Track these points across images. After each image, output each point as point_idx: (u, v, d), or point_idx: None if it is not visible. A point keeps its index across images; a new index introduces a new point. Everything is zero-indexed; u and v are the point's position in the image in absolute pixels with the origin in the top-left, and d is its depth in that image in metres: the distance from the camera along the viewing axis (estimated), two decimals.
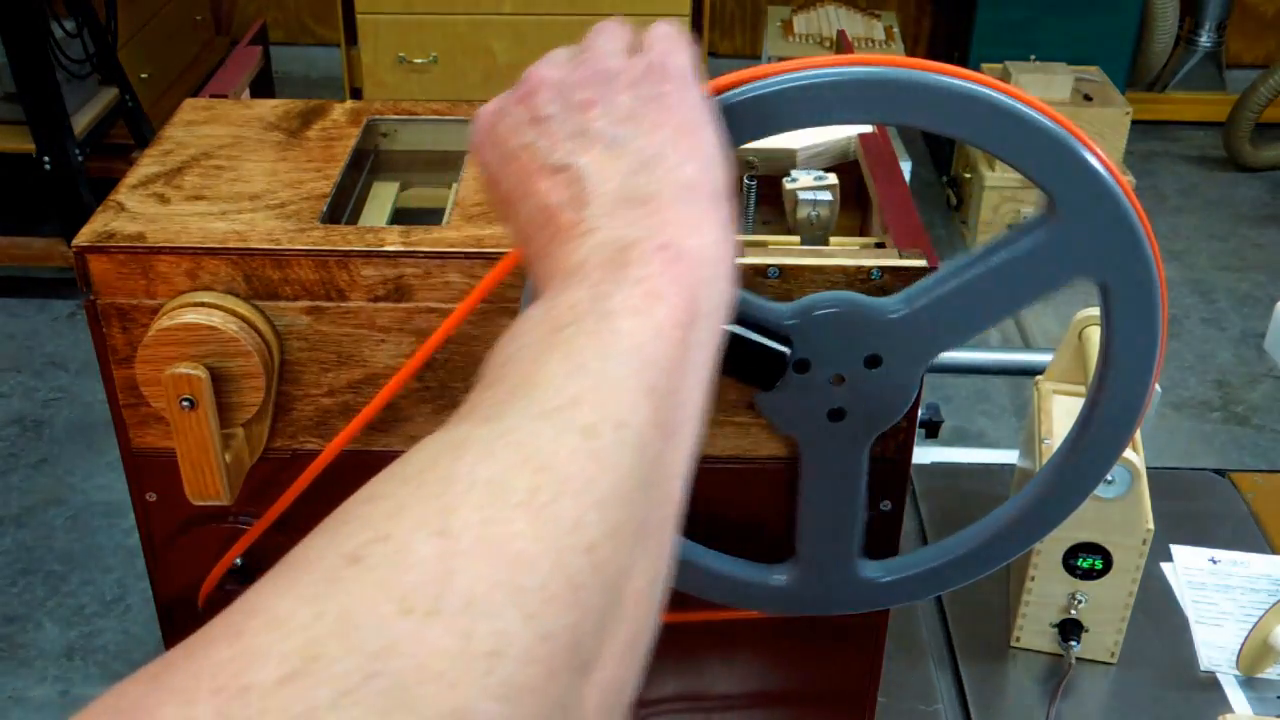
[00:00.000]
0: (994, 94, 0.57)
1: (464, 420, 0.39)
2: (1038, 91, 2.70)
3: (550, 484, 0.36)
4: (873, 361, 0.64)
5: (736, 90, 0.58)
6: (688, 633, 0.80)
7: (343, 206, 0.78)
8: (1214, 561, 1.05)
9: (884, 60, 0.57)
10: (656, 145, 0.50)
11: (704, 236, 0.47)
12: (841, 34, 1.09)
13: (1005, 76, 2.78)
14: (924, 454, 1.22)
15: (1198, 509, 1.13)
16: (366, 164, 0.83)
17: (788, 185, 0.78)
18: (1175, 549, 1.07)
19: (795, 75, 0.57)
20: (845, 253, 0.71)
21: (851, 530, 0.70)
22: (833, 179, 0.78)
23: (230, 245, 0.68)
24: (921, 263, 0.69)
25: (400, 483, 0.37)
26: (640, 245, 0.45)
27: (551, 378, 0.40)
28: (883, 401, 0.66)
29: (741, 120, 0.58)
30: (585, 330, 0.42)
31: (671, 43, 0.54)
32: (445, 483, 0.36)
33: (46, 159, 2.64)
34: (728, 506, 0.75)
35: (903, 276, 0.68)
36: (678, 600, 0.72)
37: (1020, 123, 0.57)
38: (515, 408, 0.39)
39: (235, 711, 0.29)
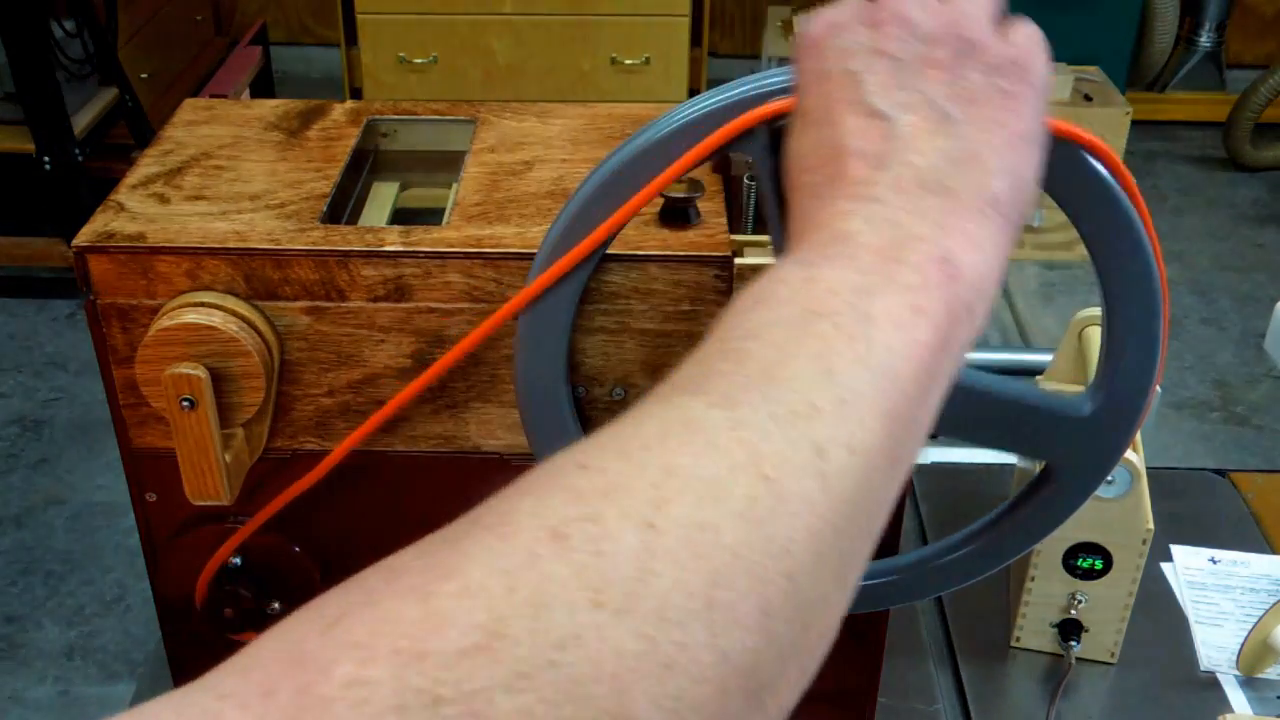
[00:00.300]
0: None
1: (699, 391, 0.37)
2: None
3: (769, 498, 0.34)
4: None
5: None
6: None
7: (343, 206, 0.78)
8: (1214, 561, 1.06)
9: None
10: (983, 143, 0.46)
11: (983, 258, 0.43)
12: None
13: None
14: (924, 454, 1.21)
15: (1198, 509, 1.13)
16: (366, 164, 0.83)
17: None
18: (1175, 549, 1.07)
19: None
20: None
21: None
22: None
23: (230, 245, 0.68)
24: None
25: (618, 456, 0.35)
26: (920, 246, 0.42)
27: (796, 377, 0.37)
28: None
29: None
30: (842, 329, 0.39)
31: (1038, 45, 0.49)
32: (665, 472, 0.34)
33: (46, 159, 2.65)
34: None
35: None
36: None
37: None
38: (753, 400, 0.36)
39: (411, 677, 0.28)
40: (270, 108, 0.84)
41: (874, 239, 0.42)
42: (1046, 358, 1.02)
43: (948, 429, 0.61)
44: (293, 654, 0.30)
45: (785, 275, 0.41)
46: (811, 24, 0.49)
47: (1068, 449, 0.64)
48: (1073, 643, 0.94)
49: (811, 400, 0.37)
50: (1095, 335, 0.92)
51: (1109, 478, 0.87)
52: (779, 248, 0.59)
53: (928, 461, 1.21)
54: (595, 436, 0.36)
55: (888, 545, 0.76)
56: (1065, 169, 0.56)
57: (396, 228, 0.70)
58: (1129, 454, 0.87)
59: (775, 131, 0.55)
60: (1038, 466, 0.68)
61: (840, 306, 0.39)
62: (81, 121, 2.75)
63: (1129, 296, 0.60)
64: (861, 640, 0.80)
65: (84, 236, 0.69)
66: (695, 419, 0.36)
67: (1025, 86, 0.48)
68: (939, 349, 0.40)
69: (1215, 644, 0.97)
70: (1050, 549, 0.91)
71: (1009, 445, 0.68)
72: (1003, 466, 1.15)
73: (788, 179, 0.48)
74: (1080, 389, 0.97)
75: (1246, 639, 0.93)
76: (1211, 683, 0.95)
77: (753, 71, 0.61)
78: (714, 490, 0.34)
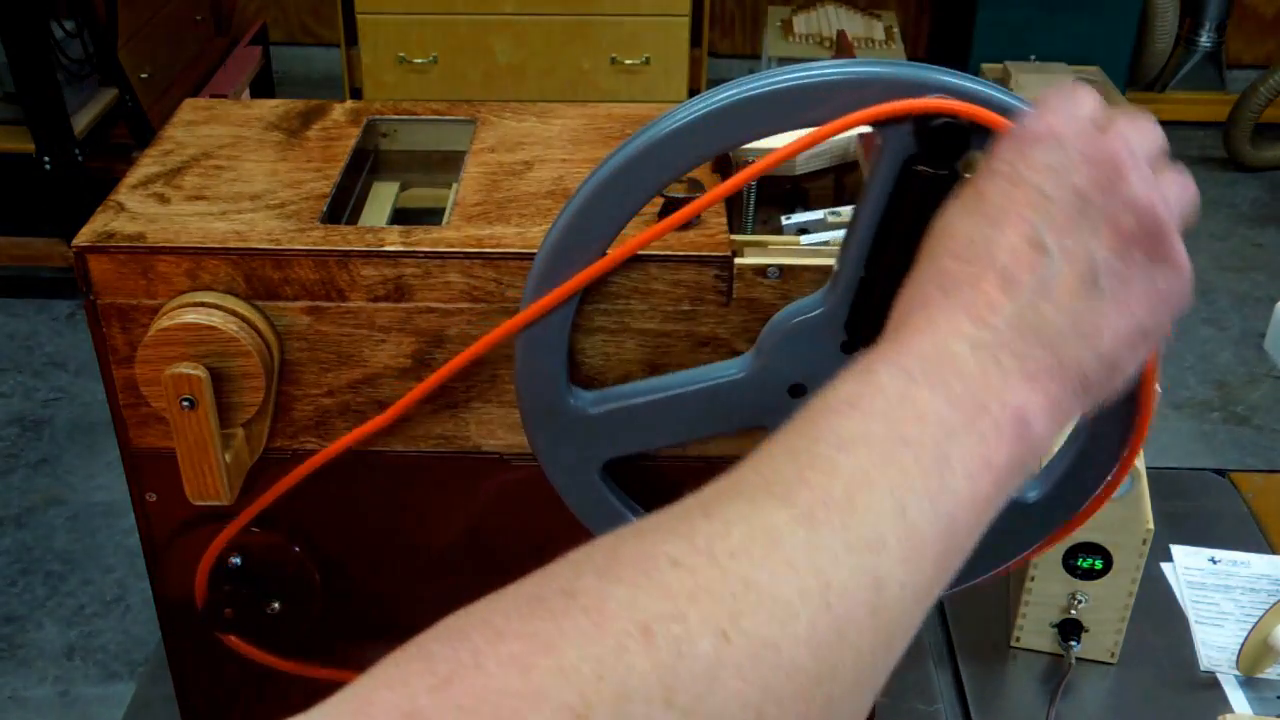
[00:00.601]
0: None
1: (786, 500, 0.39)
2: (1038, 91, 2.69)
3: (828, 628, 0.37)
4: (848, 347, 0.65)
5: None
6: None
7: (343, 206, 0.78)
8: (1214, 561, 1.06)
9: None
10: (1110, 326, 0.46)
11: (1052, 428, 0.45)
12: (841, 34, 1.09)
13: (1005, 77, 2.78)
14: None
15: (1198, 509, 1.13)
16: (366, 164, 0.83)
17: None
18: (1175, 549, 1.07)
19: None
20: None
21: None
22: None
23: (230, 245, 0.68)
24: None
25: (708, 559, 0.37)
26: (1004, 395, 0.44)
27: (873, 509, 0.40)
28: None
29: None
30: (921, 466, 0.41)
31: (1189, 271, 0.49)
32: (745, 584, 0.36)
33: (46, 159, 2.65)
34: None
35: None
36: None
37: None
38: (832, 524, 0.39)
39: None
40: (270, 108, 0.84)
41: (973, 370, 0.44)
42: None
43: None
44: (405, 709, 0.33)
45: (884, 384, 0.43)
46: (1038, 115, 0.49)
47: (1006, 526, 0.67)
48: (1073, 643, 0.94)
49: (882, 534, 0.39)
50: None
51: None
52: (852, 251, 0.61)
53: None
54: (688, 517, 0.39)
55: None
56: None
57: (396, 228, 0.70)
58: None
59: (927, 129, 0.56)
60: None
61: (925, 440, 0.42)
62: (81, 121, 2.75)
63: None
64: None
65: (84, 236, 0.69)
66: (779, 534, 0.38)
67: (1176, 294, 0.49)
68: (993, 501, 0.43)
69: (1215, 644, 0.97)
70: (1050, 549, 0.92)
71: None
72: None
73: (931, 239, 0.49)
74: None
75: (1246, 639, 0.93)
76: (1211, 683, 0.94)
77: (752, 71, 0.61)
78: (783, 611, 0.37)
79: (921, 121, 0.56)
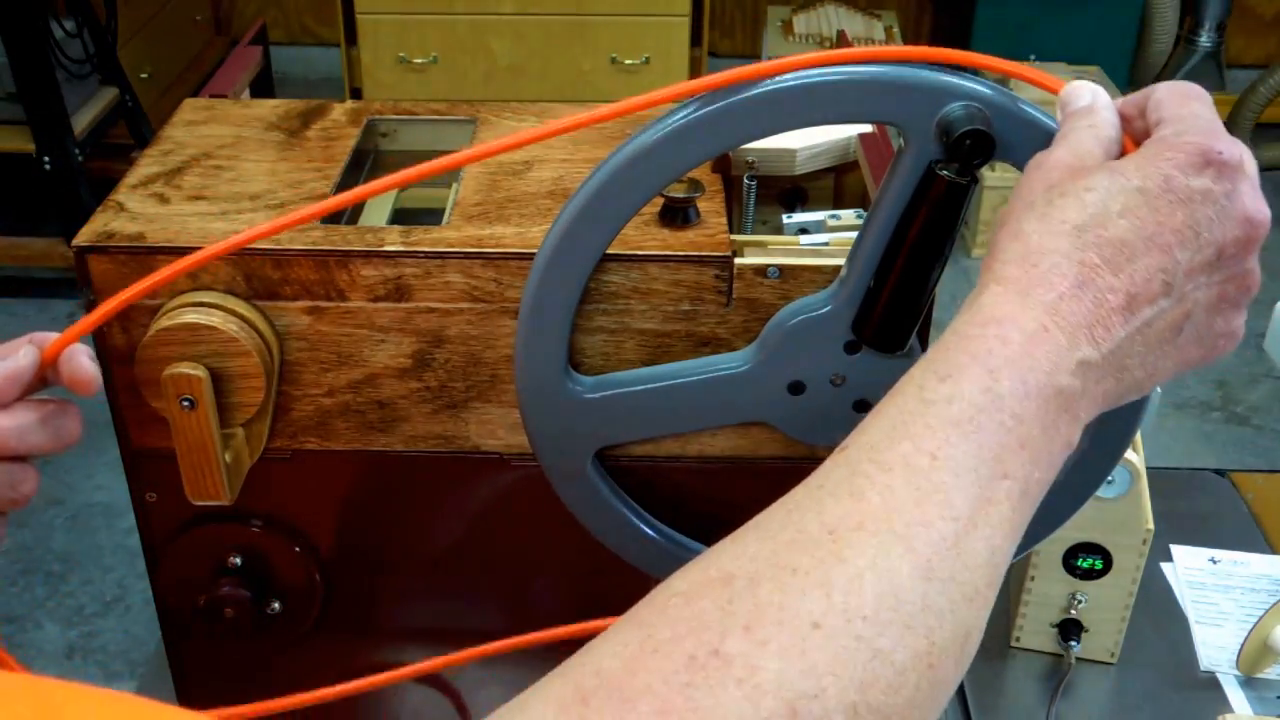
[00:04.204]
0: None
1: (908, 540, 0.41)
2: (1038, 91, 2.69)
3: (929, 688, 0.41)
4: (851, 348, 0.65)
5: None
6: None
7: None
8: (1214, 561, 1.05)
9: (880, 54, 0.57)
10: (1169, 368, 0.49)
11: (1050, 478, 0.46)
12: (841, 34, 1.09)
13: (1005, 77, 2.78)
14: None
15: (1198, 509, 1.13)
16: (366, 164, 0.83)
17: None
18: (1175, 549, 1.07)
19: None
20: (845, 253, 0.71)
21: None
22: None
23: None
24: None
25: (843, 619, 0.40)
26: (1073, 426, 0.46)
27: (974, 555, 0.43)
28: (889, 369, 0.66)
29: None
30: (1011, 503, 0.43)
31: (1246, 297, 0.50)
32: (873, 654, 0.39)
33: (46, 159, 2.64)
34: (728, 508, 0.75)
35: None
36: None
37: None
38: (943, 581, 0.42)
39: None
40: (270, 108, 0.84)
41: (1075, 394, 0.45)
42: None
43: None
44: None
45: (1004, 395, 0.44)
46: (1234, 141, 0.48)
47: None
48: (1073, 643, 0.94)
49: (976, 585, 0.43)
50: None
51: (1109, 478, 0.87)
52: (864, 252, 0.62)
53: None
54: (819, 550, 0.41)
55: None
56: None
57: (396, 228, 0.70)
58: (1129, 454, 0.87)
59: (956, 134, 0.56)
60: None
61: (1018, 474, 0.44)
62: (81, 121, 2.74)
63: None
64: None
65: (84, 236, 0.69)
66: (902, 591, 0.41)
67: (1224, 350, 0.51)
68: (1003, 554, 0.45)
69: (1215, 644, 0.97)
70: (1050, 549, 0.91)
71: None
72: None
73: (1081, 201, 0.47)
74: None
75: (1246, 639, 0.93)
76: (1211, 683, 0.94)
77: None
78: (899, 680, 0.40)
79: (949, 126, 0.57)
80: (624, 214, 0.62)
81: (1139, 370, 0.47)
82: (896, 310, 0.62)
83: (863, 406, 0.67)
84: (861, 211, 0.78)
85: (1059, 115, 0.54)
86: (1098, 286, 0.45)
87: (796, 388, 0.67)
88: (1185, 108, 0.49)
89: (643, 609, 0.41)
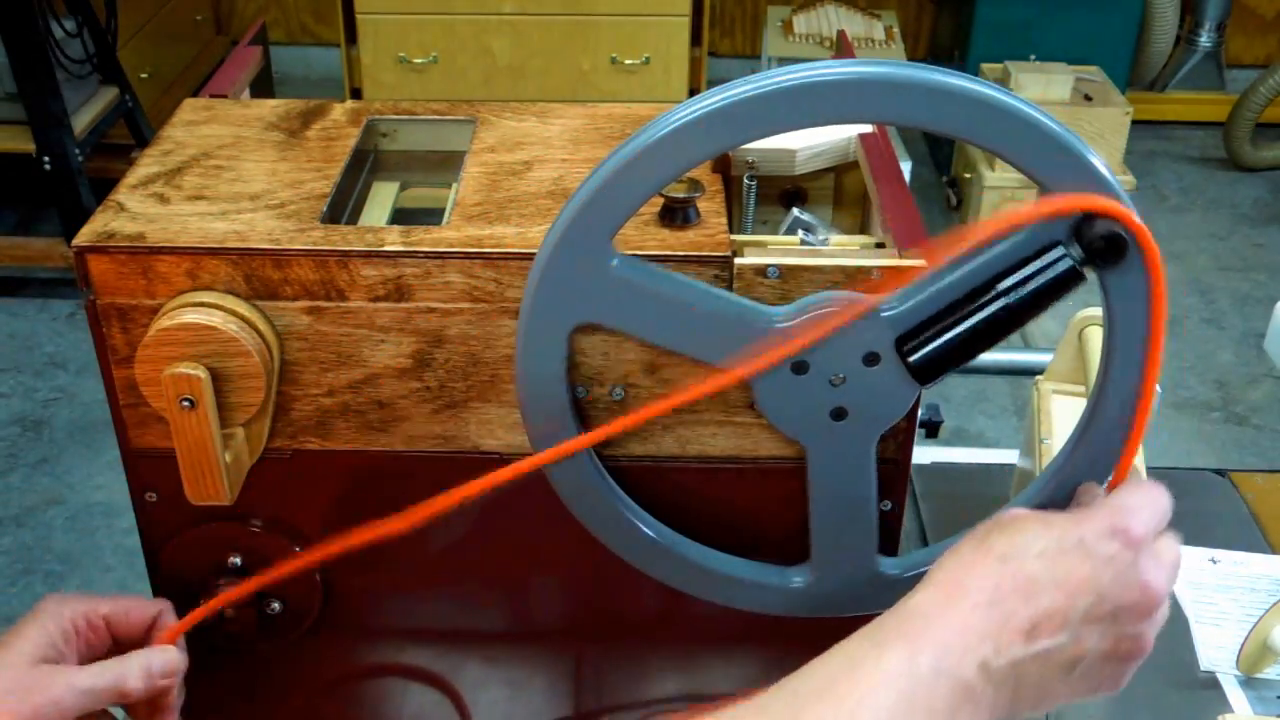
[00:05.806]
0: (996, 95, 0.57)
1: None
2: (1038, 91, 2.70)
3: None
4: (871, 359, 0.64)
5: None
6: (688, 632, 0.80)
7: (343, 206, 0.78)
8: (1214, 561, 1.05)
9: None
10: (1061, 697, 0.56)
11: None
12: (841, 34, 1.09)
13: (1005, 76, 2.78)
14: (924, 454, 1.21)
15: (1198, 509, 1.13)
16: (366, 164, 0.83)
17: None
18: None
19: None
20: (845, 253, 0.71)
21: (868, 529, 0.70)
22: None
23: (230, 245, 0.68)
24: (922, 263, 0.69)
25: None
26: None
27: None
28: (885, 399, 0.66)
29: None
30: None
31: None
32: None
33: (46, 159, 2.64)
34: (729, 507, 0.75)
35: (903, 276, 0.68)
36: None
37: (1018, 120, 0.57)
38: None
39: None
40: (270, 108, 0.84)
41: (976, 691, 0.54)
42: (1046, 358, 1.02)
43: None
44: None
45: (923, 674, 0.53)
46: (1148, 522, 0.60)
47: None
48: None
49: None
50: (1095, 335, 0.92)
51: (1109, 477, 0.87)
52: (940, 285, 0.63)
53: (927, 462, 1.21)
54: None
55: (889, 546, 0.76)
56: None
57: (396, 228, 0.70)
58: None
59: (1093, 229, 0.59)
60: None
61: None
62: (81, 121, 2.74)
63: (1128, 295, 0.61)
64: None
65: (84, 236, 0.69)
66: None
67: (1108, 692, 0.58)
68: None
69: (1215, 644, 0.97)
70: None
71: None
72: (1003, 466, 1.15)
73: (1013, 533, 0.58)
74: (1080, 389, 0.97)
75: (1246, 639, 0.93)
76: (1211, 683, 0.94)
77: (753, 71, 0.61)
78: None
79: (1087, 219, 0.59)
80: (624, 214, 0.62)
81: (1033, 693, 0.55)
82: (953, 350, 0.63)
83: (839, 415, 0.66)
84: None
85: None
86: (1005, 608, 0.54)
87: (800, 366, 0.65)
88: (1131, 496, 0.61)
89: None
